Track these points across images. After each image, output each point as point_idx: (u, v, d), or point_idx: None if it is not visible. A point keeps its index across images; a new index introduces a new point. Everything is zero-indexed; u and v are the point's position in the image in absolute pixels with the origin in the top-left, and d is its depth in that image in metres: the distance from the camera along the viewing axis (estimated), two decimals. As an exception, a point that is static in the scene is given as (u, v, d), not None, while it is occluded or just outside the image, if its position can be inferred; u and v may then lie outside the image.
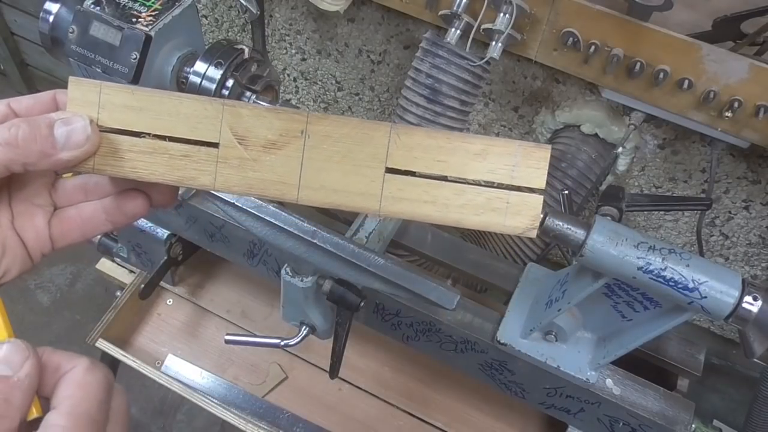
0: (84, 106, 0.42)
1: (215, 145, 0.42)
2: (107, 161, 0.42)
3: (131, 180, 0.43)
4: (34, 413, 0.35)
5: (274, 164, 0.41)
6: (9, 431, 0.33)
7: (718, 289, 0.58)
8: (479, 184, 0.41)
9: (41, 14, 0.75)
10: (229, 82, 0.73)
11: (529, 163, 0.41)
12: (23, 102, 0.42)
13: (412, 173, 0.41)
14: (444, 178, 0.41)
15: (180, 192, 0.84)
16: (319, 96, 1.52)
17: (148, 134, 0.42)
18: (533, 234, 0.41)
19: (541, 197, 0.41)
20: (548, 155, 0.41)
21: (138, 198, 0.44)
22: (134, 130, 0.42)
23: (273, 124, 0.41)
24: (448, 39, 1.01)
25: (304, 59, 1.45)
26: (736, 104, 0.95)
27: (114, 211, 0.44)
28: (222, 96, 0.73)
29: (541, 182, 0.41)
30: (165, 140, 0.42)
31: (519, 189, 0.41)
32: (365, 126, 0.41)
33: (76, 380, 0.36)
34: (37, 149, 0.39)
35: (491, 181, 0.41)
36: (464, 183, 0.41)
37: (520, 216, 0.41)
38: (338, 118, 0.41)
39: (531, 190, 0.41)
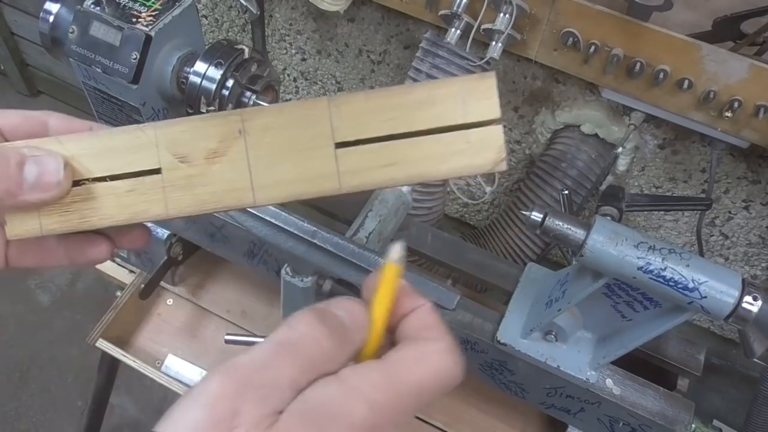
0: None
1: (158, 171, 0.39)
2: (53, 218, 0.39)
3: None
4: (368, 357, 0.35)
5: (221, 173, 0.39)
6: (330, 372, 0.31)
7: (718, 289, 0.58)
8: (434, 132, 0.39)
9: (41, 14, 0.75)
10: (229, 82, 0.73)
11: (477, 96, 0.39)
12: (9, 118, 0.40)
13: (363, 141, 0.39)
14: (396, 137, 0.39)
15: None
16: (319, 96, 1.52)
17: (87, 180, 0.39)
18: (504, 166, 0.39)
19: (500, 126, 0.39)
20: (494, 83, 0.39)
21: (101, 245, 0.42)
22: (74, 179, 0.39)
23: (209, 132, 0.39)
24: (448, 39, 1.01)
25: (304, 59, 1.45)
26: (736, 104, 0.95)
27: (75, 252, 0.42)
28: (222, 96, 0.73)
29: (495, 112, 0.39)
30: (106, 181, 0.39)
31: (475, 125, 0.39)
32: (302, 106, 0.39)
33: (423, 354, 0.33)
34: (2, 188, 0.36)
35: (445, 126, 0.39)
36: (418, 135, 0.39)
37: (485, 152, 0.39)
38: (273, 107, 0.39)
39: (488, 123, 0.39)
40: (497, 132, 0.39)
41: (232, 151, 0.39)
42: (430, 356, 0.32)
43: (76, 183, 0.39)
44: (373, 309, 0.36)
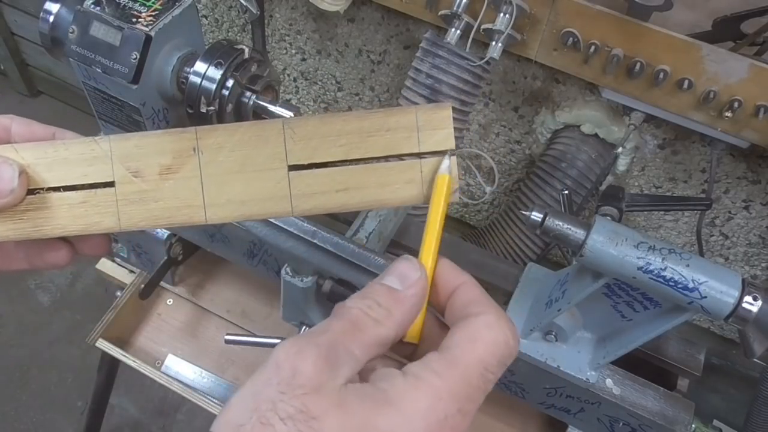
0: None
1: (111, 184, 0.40)
2: (7, 226, 0.40)
3: None
4: (413, 338, 0.35)
5: (174, 189, 0.40)
6: (382, 339, 0.33)
7: (718, 289, 0.58)
8: (388, 159, 0.39)
9: (41, 14, 0.75)
10: (229, 82, 0.73)
11: (432, 125, 0.39)
12: None
13: (317, 165, 0.39)
14: (350, 162, 0.39)
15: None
16: (319, 96, 1.52)
17: (42, 189, 0.40)
18: (456, 197, 0.39)
19: (454, 158, 0.39)
20: (450, 113, 0.39)
21: (61, 250, 0.42)
22: (28, 188, 0.40)
23: (163, 148, 0.39)
24: (448, 39, 1.01)
25: (304, 59, 1.45)
26: (736, 104, 0.95)
27: (35, 257, 0.42)
28: (222, 96, 0.73)
29: (450, 143, 0.39)
30: (60, 191, 0.40)
31: (429, 155, 0.39)
32: (257, 128, 0.39)
33: (474, 332, 0.33)
34: None
35: (398, 154, 0.39)
36: (372, 161, 0.39)
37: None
38: (227, 127, 0.39)
39: (442, 153, 0.39)
40: (451, 164, 0.39)
41: (185, 169, 0.40)
42: (481, 332, 0.33)
43: (31, 192, 0.40)
44: (421, 258, 0.37)
